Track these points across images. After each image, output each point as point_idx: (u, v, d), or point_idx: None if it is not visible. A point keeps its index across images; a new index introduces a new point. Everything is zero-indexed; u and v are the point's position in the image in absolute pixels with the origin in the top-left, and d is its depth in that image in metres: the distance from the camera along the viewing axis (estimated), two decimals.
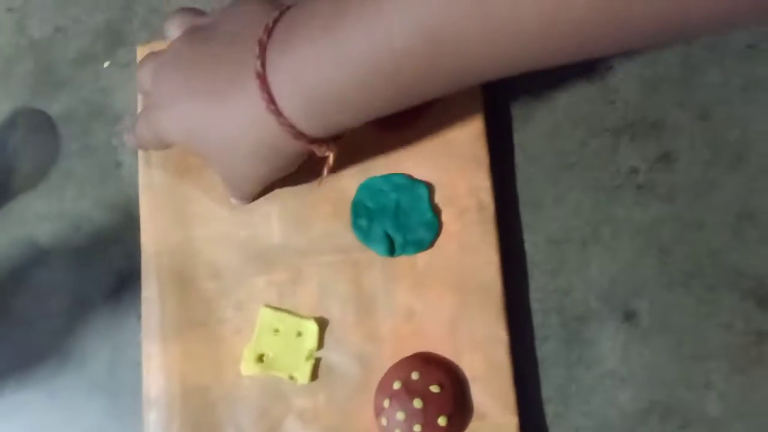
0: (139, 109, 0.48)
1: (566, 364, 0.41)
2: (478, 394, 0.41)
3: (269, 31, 0.33)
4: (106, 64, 0.52)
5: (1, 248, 0.50)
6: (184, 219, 0.46)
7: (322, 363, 0.43)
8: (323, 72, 0.31)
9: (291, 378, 0.43)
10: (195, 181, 0.47)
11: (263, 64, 0.32)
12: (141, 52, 0.49)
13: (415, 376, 0.40)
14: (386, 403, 0.40)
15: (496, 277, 0.42)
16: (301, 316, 0.44)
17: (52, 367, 0.47)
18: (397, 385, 0.40)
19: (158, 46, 0.49)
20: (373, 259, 0.43)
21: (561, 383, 0.41)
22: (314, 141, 0.35)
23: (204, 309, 0.45)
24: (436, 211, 0.43)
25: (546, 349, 0.42)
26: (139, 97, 0.48)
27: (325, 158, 0.38)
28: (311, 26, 0.32)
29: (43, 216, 0.50)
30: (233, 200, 0.44)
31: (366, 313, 0.43)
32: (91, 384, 0.47)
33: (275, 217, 0.45)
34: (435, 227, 0.43)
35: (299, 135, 0.34)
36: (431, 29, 0.28)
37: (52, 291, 0.49)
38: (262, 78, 0.32)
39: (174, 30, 0.41)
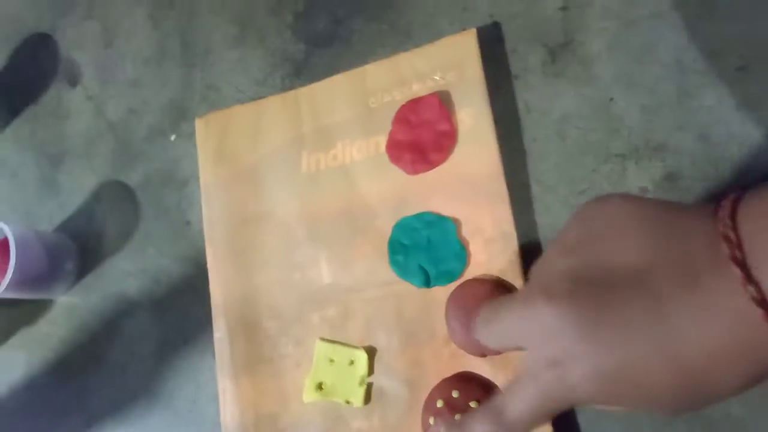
0: None
1: None
2: None
3: (732, 215, 0.27)
4: (173, 137, 0.59)
5: (96, 304, 0.58)
6: (244, 268, 0.53)
7: (374, 387, 0.48)
8: None
9: (347, 402, 0.48)
10: (252, 234, 0.53)
11: (740, 246, 0.27)
12: (199, 123, 0.56)
13: (455, 394, 0.44)
14: (432, 420, 0.44)
15: None
16: (353, 347, 0.49)
17: (143, 405, 0.54)
18: (440, 404, 0.44)
19: (214, 117, 0.56)
20: (412, 290, 0.48)
21: None
22: None
23: (268, 346, 0.51)
24: (464, 243, 0.47)
25: None
26: None
27: None
28: None
29: (129, 273, 0.58)
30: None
31: (409, 341, 0.48)
32: (178, 419, 0.53)
33: (323, 260, 0.51)
34: (464, 258, 0.47)
35: None
36: None
37: (140, 338, 0.56)
38: (742, 264, 0.26)
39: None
